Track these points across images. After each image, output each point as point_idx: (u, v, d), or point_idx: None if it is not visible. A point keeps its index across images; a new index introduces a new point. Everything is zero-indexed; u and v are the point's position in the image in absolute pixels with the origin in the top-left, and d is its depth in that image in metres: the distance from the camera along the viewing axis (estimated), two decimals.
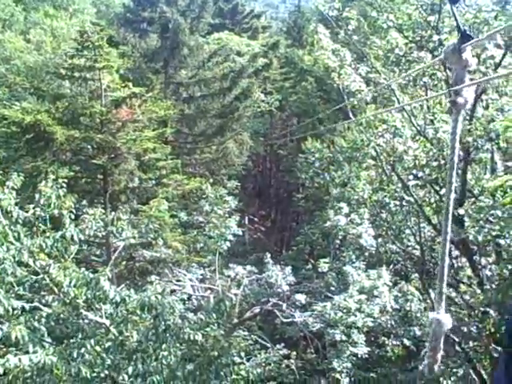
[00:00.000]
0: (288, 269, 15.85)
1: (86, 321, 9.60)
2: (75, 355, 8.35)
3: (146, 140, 16.71)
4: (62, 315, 9.60)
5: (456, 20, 3.27)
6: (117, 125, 16.26)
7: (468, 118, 11.79)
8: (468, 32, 3.08)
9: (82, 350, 8.42)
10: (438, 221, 14.13)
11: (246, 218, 27.21)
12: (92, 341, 8.70)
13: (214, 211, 17.45)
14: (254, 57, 26.28)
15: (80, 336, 9.13)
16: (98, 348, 8.74)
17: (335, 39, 16.07)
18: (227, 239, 16.72)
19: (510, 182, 7.79)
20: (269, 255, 16.50)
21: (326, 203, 19.79)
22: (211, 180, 19.21)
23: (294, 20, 38.30)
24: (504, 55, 11.65)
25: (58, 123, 15.88)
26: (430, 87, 13.53)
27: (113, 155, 16.21)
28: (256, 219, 30.95)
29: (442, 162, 12.68)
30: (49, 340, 9.18)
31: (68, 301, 9.15)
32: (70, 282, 8.90)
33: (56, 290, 9.12)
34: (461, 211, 11.87)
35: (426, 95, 13.53)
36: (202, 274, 16.05)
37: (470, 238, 12.64)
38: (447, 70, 11.65)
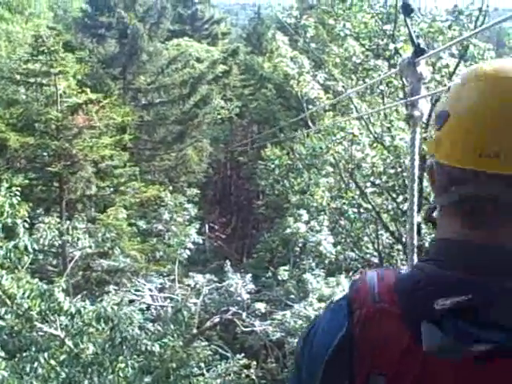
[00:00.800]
0: (248, 277, 15.81)
1: (41, 333, 9.42)
2: (28, 369, 8.18)
3: (103, 147, 16.53)
4: (15, 328, 9.41)
5: (410, 33, 3.31)
6: (73, 131, 16.05)
7: (424, 126, 11.99)
8: (422, 45, 3.12)
9: (36, 363, 8.25)
10: (396, 228, 14.32)
11: (206, 225, 27.09)
12: (46, 354, 8.55)
13: (173, 219, 17.35)
14: (213, 63, 26.24)
15: (34, 349, 8.94)
16: (52, 361, 8.58)
17: (294, 46, 16.19)
18: (187, 247, 16.63)
19: None
20: (229, 263, 16.45)
21: (286, 210, 19.85)
22: (171, 187, 19.08)
23: (253, 27, 38.33)
24: (458, 64, 11.89)
25: (11, 129, 15.62)
26: (387, 95, 13.72)
27: (69, 162, 15.98)
28: (216, 227, 30.83)
29: (399, 169, 12.87)
30: (1, 354, 8.97)
31: (21, 313, 8.96)
32: (24, 294, 8.72)
33: (9, 301, 8.92)
34: (418, 218, 12.05)
35: (383, 103, 13.71)
36: (161, 283, 15.89)
37: (427, 244, 12.85)
38: (403, 79, 11.84)
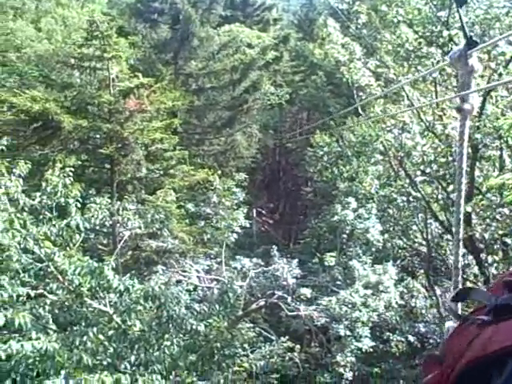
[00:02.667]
0: (294, 262, 15.89)
1: (90, 309, 9.68)
2: (77, 343, 8.43)
3: (153, 130, 16.72)
4: (66, 303, 9.71)
5: (462, 24, 3.27)
6: (124, 115, 16.25)
7: (477, 114, 11.75)
8: (474, 38, 3.08)
9: (85, 337, 8.49)
10: (446, 218, 14.12)
11: (254, 210, 27.21)
12: (95, 329, 8.78)
13: (221, 203, 17.52)
14: (264, 49, 26.20)
15: (83, 324, 9.21)
16: (100, 336, 8.81)
17: (346, 33, 16.05)
18: (234, 231, 16.80)
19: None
20: (275, 248, 16.55)
21: (334, 197, 19.82)
22: (219, 172, 19.23)
23: (305, 13, 38.15)
24: None
25: (66, 112, 15.91)
26: (440, 82, 13.50)
27: (120, 145, 16.19)
28: (264, 212, 30.97)
29: (450, 158, 12.66)
30: (53, 327, 9.28)
31: (72, 289, 9.23)
32: (75, 271, 8.96)
33: (60, 277, 9.20)
34: (468, 208, 11.87)
35: (436, 90, 13.50)
36: (208, 265, 16.12)
37: (477, 235, 12.64)
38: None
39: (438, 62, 12.48)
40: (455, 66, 3.18)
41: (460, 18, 3.36)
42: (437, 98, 13.38)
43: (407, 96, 13.66)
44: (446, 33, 12.23)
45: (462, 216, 3.44)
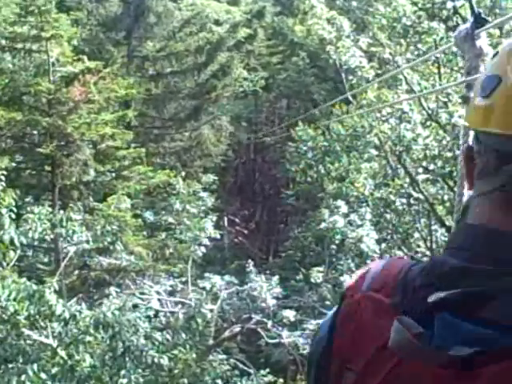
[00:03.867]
0: (275, 279, 15.89)
1: (29, 341, 9.56)
2: (14, 383, 8.30)
3: (103, 124, 16.63)
4: None
5: (470, 0, 3.26)
6: (68, 106, 16.18)
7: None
8: (483, 15, 3.07)
9: (23, 376, 8.37)
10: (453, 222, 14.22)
11: (225, 218, 27.22)
12: (35, 366, 8.67)
13: (186, 210, 17.44)
14: (234, 26, 26.21)
15: (21, 360, 9.08)
16: (42, 374, 8.70)
17: (332, 6, 16.11)
18: (202, 244, 16.74)
19: None
20: (252, 263, 16.54)
21: (321, 201, 19.87)
22: (183, 173, 19.18)
23: None
24: None
25: None
26: (444, 63, 13.58)
27: (63, 142, 16.13)
28: (237, 220, 30.95)
29: (458, 152, 12.73)
30: None
31: (6, 317, 9.09)
32: (9, 295, 8.83)
33: None
34: None
35: (439, 72, 13.59)
36: (171, 286, 16.05)
37: None
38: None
39: (441, 38, 12.57)
40: (461, 47, 3.16)
41: None
42: (440, 80, 13.47)
43: (405, 79, 13.71)
44: (450, 4, 12.33)
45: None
